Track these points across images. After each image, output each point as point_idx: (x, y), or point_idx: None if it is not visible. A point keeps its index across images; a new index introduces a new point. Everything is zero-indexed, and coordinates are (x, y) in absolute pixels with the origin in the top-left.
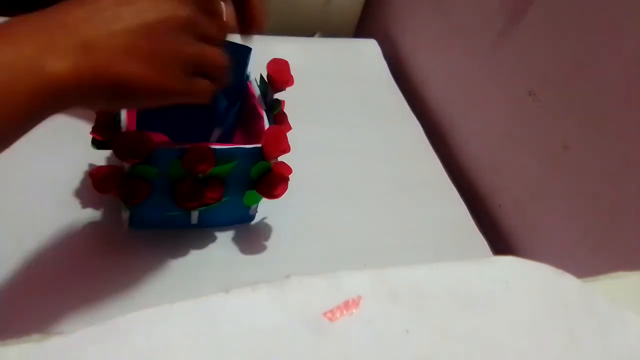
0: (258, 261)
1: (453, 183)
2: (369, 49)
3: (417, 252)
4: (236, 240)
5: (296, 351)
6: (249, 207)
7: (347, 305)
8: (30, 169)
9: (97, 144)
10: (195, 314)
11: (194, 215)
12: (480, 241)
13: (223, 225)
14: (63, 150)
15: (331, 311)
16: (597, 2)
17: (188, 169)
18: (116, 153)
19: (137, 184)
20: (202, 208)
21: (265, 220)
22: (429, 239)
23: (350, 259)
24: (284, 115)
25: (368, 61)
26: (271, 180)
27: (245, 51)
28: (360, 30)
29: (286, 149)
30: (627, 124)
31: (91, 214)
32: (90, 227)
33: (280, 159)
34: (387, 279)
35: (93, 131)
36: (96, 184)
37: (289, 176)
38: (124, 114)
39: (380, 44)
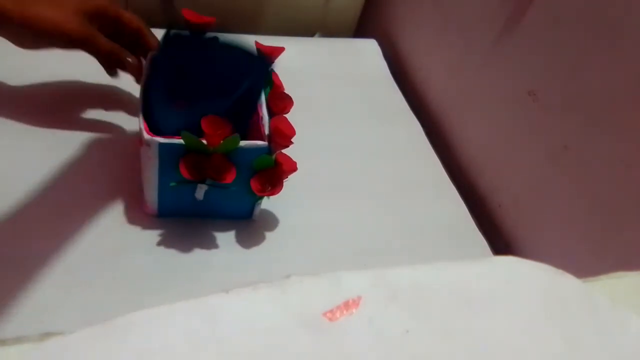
0: (258, 261)
1: (453, 183)
2: (369, 49)
3: (417, 252)
4: (236, 240)
5: (296, 351)
6: (251, 203)
7: (347, 305)
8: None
9: None
10: (195, 314)
11: (200, 191)
12: (480, 241)
13: (224, 217)
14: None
15: (331, 311)
16: (597, 2)
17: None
18: None
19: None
20: (209, 183)
21: (266, 220)
22: (429, 239)
23: (350, 259)
24: (283, 94)
25: (368, 61)
26: (270, 175)
27: (263, 66)
28: (360, 30)
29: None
30: (627, 124)
31: (90, 214)
32: (89, 227)
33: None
34: (387, 279)
35: None
36: None
37: (289, 177)
38: None
39: (380, 44)
